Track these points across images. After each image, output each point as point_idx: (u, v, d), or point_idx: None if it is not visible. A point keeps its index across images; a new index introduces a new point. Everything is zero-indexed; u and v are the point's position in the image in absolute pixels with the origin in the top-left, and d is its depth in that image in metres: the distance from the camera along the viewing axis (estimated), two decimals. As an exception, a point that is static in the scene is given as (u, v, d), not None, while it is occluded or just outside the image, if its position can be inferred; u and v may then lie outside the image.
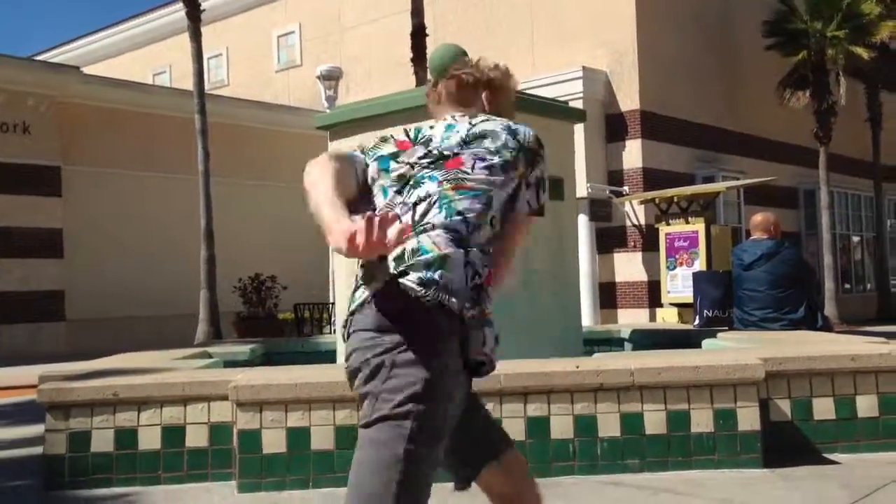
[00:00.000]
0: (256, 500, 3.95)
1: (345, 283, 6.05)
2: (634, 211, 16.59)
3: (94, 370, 5.08)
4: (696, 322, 7.37)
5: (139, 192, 17.64)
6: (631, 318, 15.61)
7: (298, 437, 4.12)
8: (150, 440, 4.33)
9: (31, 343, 15.40)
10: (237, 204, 18.38)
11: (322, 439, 4.12)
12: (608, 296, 16.63)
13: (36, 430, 5.73)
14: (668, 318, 13.32)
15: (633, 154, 16.67)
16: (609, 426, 4.23)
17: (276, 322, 15.92)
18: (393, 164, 2.03)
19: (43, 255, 16.19)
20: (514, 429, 4.19)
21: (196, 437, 4.34)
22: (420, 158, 2.00)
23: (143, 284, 17.10)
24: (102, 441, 4.32)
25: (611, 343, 7.45)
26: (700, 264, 13.02)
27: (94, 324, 16.36)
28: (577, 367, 4.34)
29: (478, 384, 4.09)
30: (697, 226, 13.55)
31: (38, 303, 16.01)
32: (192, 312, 14.29)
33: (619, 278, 16.75)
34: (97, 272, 16.80)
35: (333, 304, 12.17)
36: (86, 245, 16.80)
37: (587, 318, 12.56)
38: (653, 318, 15.25)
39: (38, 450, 4.85)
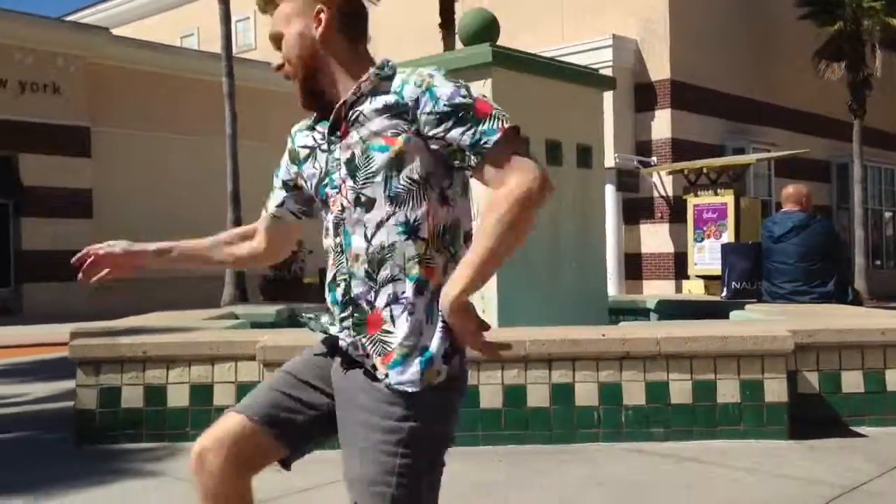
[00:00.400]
0: (283, 459, 3.99)
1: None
2: (662, 182, 16.44)
3: (123, 328, 5.14)
4: (724, 294, 7.31)
5: (167, 153, 17.75)
6: (656, 290, 15.53)
7: (324, 397, 4.14)
8: (178, 398, 4.38)
9: (59, 302, 15.62)
10: (264, 167, 18.41)
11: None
12: (633, 267, 16.55)
13: (66, 385, 5.83)
14: (694, 289, 13.26)
15: (662, 124, 16.48)
16: (634, 394, 4.22)
17: (301, 286, 16.04)
18: None
19: (72, 215, 16.38)
20: (539, 395, 4.20)
21: (223, 396, 4.38)
22: None
23: (170, 246, 17.27)
24: (132, 397, 4.38)
25: (636, 313, 7.42)
26: (728, 236, 12.92)
27: (121, 284, 16.44)
28: (603, 335, 4.33)
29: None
30: (727, 198, 13.41)
31: (68, 262, 16.18)
32: (219, 275, 14.43)
33: (645, 249, 16.65)
34: (125, 233, 16.72)
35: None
36: (114, 205, 16.96)
37: (612, 288, 12.52)
38: (679, 289, 15.18)
39: (68, 405, 4.94)
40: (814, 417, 4.35)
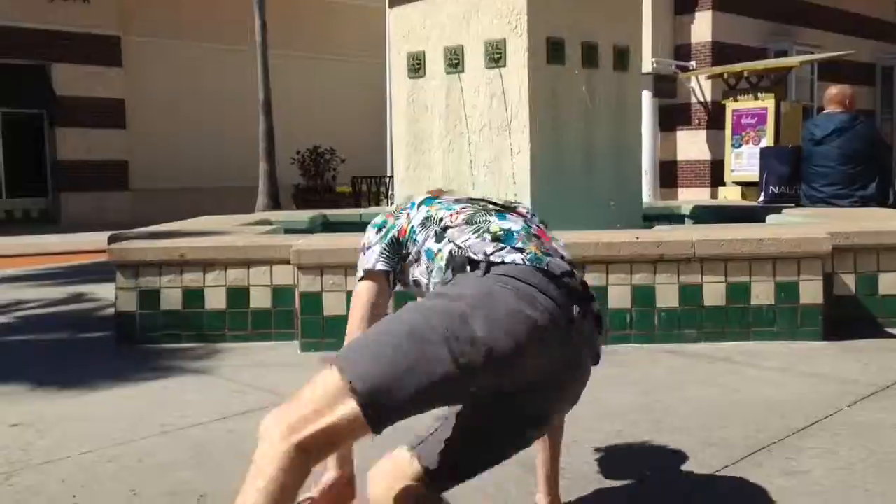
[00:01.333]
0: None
1: (403, 156, 6.01)
2: (701, 87, 16.04)
3: (161, 231, 5.21)
4: (762, 198, 7.21)
5: (198, 63, 17.65)
6: (692, 197, 15.36)
7: (358, 299, 4.18)
8: (215, 300, 4.46)
9: (97, 211, 15.86)
10: (295, 76, 18.28)
11: (382, 302, 4.18)
12: (669, 174, 16.34)
13: (106, 289, 5.96)
14: (730, 196, 13.09)
15: (702, 27, 15.97)
16: (667, 297, 4.21)
17: (333, 194, 16.10)
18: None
19: (105, 125, 16.47)
20: (572, 297, 4.20)
21: (259, 299, 4.46)
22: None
23: (204, 155, 17.35)
24: (171, 299, 4.47)
25: (671, 219, 7.34)
26: (767, 142, 12.65)
27: (157, 193, 16.73)
28: (637, 238, 4.30)
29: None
30: (767, 102, 13.09)
31: (104, 172, 16.39)
32: (252, 184, 14.49)
33: (680, 156, 16.40)
34: (159, 143, 17.05)
35: (391, 177, 12.20)
36: (148, 116, 17.00)
37: (646, 196, 12.38)
38: (714, 196, 14.99)
39: (109, 307, 5.05)
40: (850, 319, 4.33)
